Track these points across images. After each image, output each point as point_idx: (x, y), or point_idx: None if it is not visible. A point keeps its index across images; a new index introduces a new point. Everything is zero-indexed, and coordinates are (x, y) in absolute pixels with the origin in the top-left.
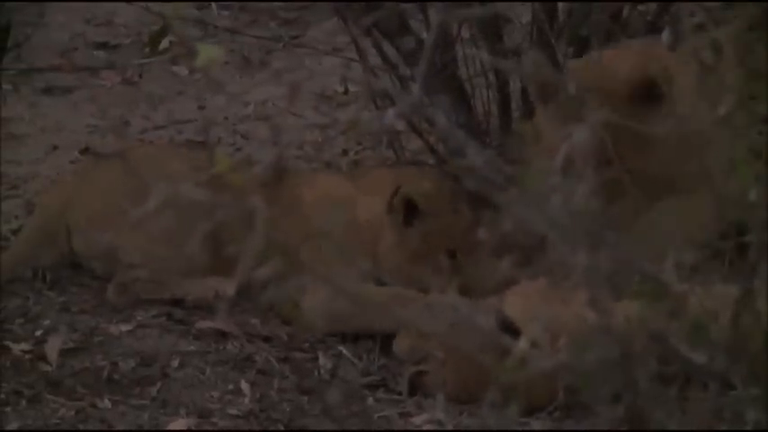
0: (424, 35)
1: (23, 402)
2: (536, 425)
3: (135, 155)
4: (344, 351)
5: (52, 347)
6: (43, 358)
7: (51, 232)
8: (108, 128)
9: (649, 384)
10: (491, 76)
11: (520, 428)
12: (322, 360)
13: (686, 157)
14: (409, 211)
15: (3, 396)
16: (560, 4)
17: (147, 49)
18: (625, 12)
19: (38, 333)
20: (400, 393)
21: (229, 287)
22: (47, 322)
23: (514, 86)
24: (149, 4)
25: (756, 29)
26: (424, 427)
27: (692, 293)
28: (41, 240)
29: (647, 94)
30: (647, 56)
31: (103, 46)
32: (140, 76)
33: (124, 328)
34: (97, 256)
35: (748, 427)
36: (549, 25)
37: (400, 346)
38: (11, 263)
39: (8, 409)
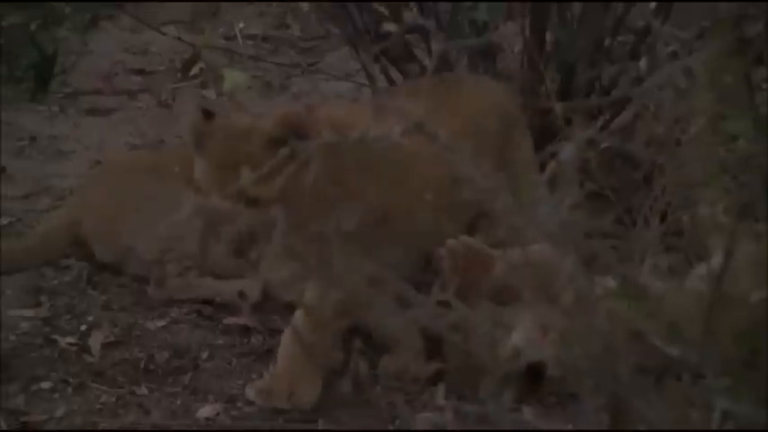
0: (427, 62)
1: (70, 390)
2: (527, 411)
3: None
4: (356, 344)
5: (95, 341)
6: (87, 351)
7: (66, 235)
8: (145, 146)
9: (629, 376)
10: None
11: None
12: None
13: None
14: None
15: (51, 384)
16: (548, 35)
17: (179, 75)
18: (607, 41)
19: (82, 328)
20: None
21: (254, 289)
22: (90, 318)
23: None
24: (182, 34)
25: (725, 56)
26: (426, 412)
27: (667, 294)
28: (57, 239)
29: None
30: (287, 113)
31: (140, 72)
32: (173, 99)
33: (159, 323)
34: (116, 259)
35: (716, 413)
36: (539, 53)
37: (387, 367)
38: (23, 255)
39: (56, 395)
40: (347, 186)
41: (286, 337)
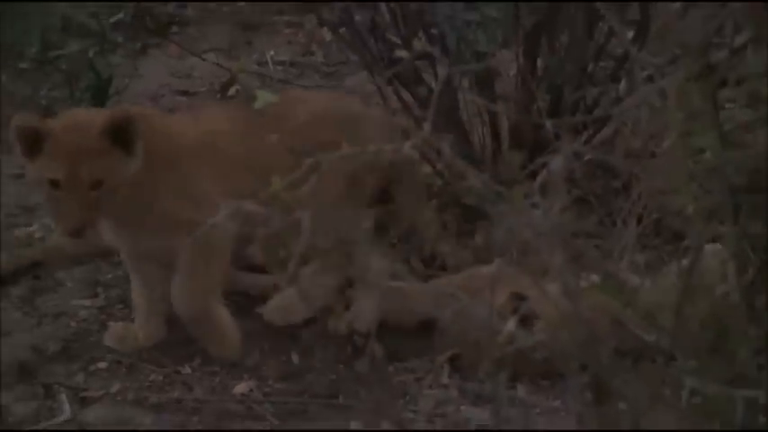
0: (434, 85)
1: (123, 369)
2: (520, 389)
3: None
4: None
5: None
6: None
7: None
8: None
9: (609, 358)
10: (485, 117)
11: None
12: (355, 338)
13: None
14: None
15: (107, 364)
16: (540, 61)
17: (218, 96)
18: (590, 67)
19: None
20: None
21: (285, 282)
22: None
23: (503, 125)
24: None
25: (694, 80)
26: (433, 389)
27: (643, 287)
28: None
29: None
30: (116, 112)
31: (184, 93)
32: None
33: None
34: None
35: (685, 391)
36: (531, 76)
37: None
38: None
39: (111, 374)
40: None
41: (134, 290)
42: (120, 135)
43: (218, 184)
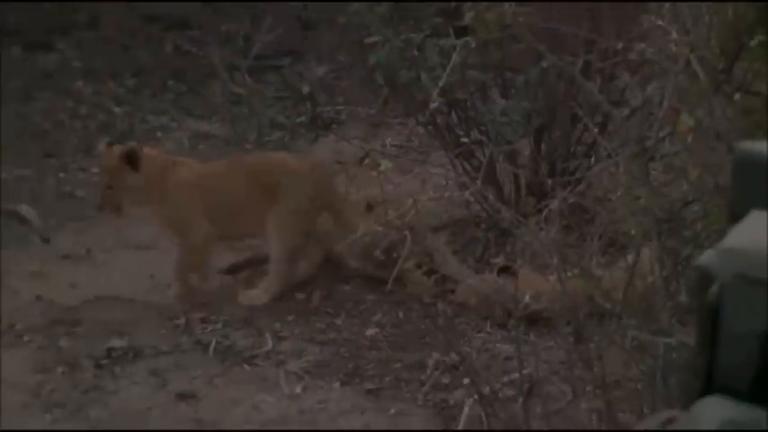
0: (482, 159)
1: (301, 320)
2: (532, 335)
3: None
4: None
5: (316, 296)
6: (309, 301)
7: None
8: None
9: (583, 317)
10: (512, 177)
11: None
12: (440, 306)
13: None
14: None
15: (293, 317)
16: (543, 145)
17: (358, 164)
18: (573, 148)
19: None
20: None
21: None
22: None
23: (522, 182)
24: (360, 143)
25: (634, 157)
26: (480, 334)
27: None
28: None
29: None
30: (127, 147)
31: (339, 162)
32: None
33: (346, 286)
34: None
35: (627, 339)
36: (538, 154)
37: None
38: None
39: (294, 322)
40: None
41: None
42: (131, 159)
43: (191, 206)
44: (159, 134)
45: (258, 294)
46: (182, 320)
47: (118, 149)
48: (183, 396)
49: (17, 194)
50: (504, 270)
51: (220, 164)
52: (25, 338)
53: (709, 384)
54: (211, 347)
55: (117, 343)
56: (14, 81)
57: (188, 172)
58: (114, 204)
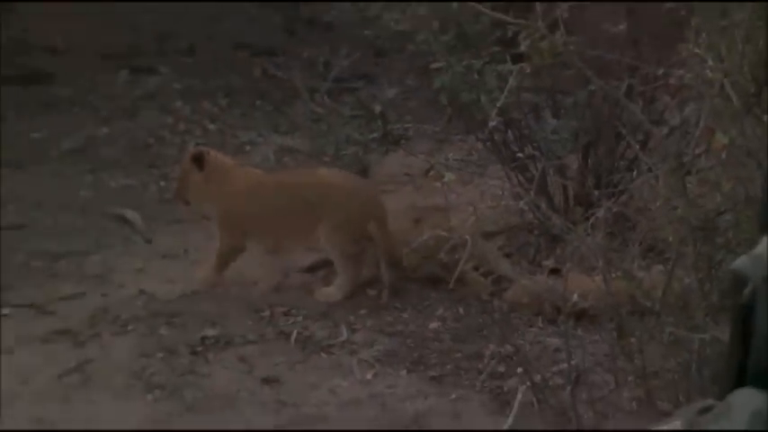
0: (535, 173)
1: (372, 314)
2: (580, 330)
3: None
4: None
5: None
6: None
7: None
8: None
9: (626, 314)
10: (561, 189)
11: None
12: (496, 303)
13: None
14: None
15: (366, 311)
16: (590, 160)
17: (424, 175)
18: (616, 163)
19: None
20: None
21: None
22: None
23: (570, 193)
24: (426, 158)
25: (672, 171)
26: (533, 328)
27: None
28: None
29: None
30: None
31: (407, 174)
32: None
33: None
34: None
35: (665, 334)
36: (585, 167)
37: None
38: None
39: (367, 315)
40: None
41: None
42: (198, 160)
43: (239, 212)
44: (248, 148)
45: (332, 292)
46: (267, 313)
47: (190, 151)
48: (267, 380)
49: (124, 200)
50: (555, 272)
51: (278, 175)
52: (129, 327)
53: (742, 377)
54: (293, 337)
55: (210, 332)
56: (122, 100)
57: (248, 179)
58: (183, 197)
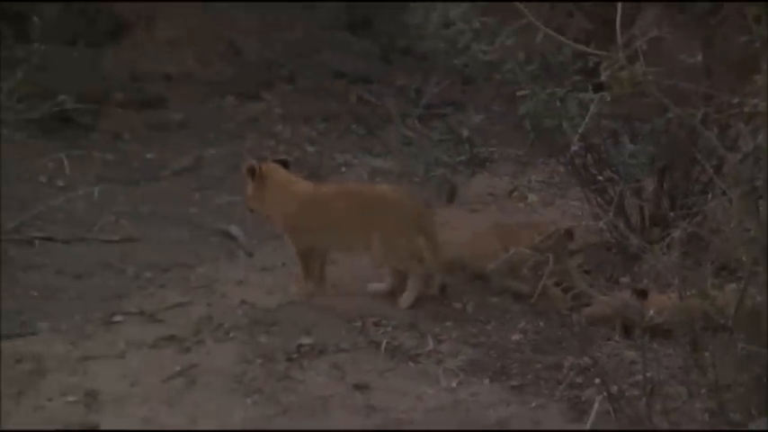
0: (614, 194)
1: (458, 324)
2: (656, 345)
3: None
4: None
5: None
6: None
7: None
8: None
9: (699, 329)
10: (638, 210)
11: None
12: (575, 317)
13: None
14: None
15: (452, 323)
16: (665, 183)
17: (509, 196)
18: (691, 186)
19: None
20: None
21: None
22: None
23: (647, 213)
24: (509, 180)
25: (745, 195)
26: (609, 342)
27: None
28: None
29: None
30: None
31: (491, 194)
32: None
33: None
34: None
35: (737, 349)
36: (661, 190)
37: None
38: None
39: (453, 326)
40: None
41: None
42: (251, 173)
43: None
44: (343, 169)
45: (406, 297)
46: (359, 323)
47: (245, 165)
48: (358, 386)
49: (228, 217)
50: (641, 294)
51: (331, 188)
52: (231, 335)
53: None
54: (383, 346)
55: (305, 340)
56: (228, 124)
57: (302, 190)
58: (247, 204)
